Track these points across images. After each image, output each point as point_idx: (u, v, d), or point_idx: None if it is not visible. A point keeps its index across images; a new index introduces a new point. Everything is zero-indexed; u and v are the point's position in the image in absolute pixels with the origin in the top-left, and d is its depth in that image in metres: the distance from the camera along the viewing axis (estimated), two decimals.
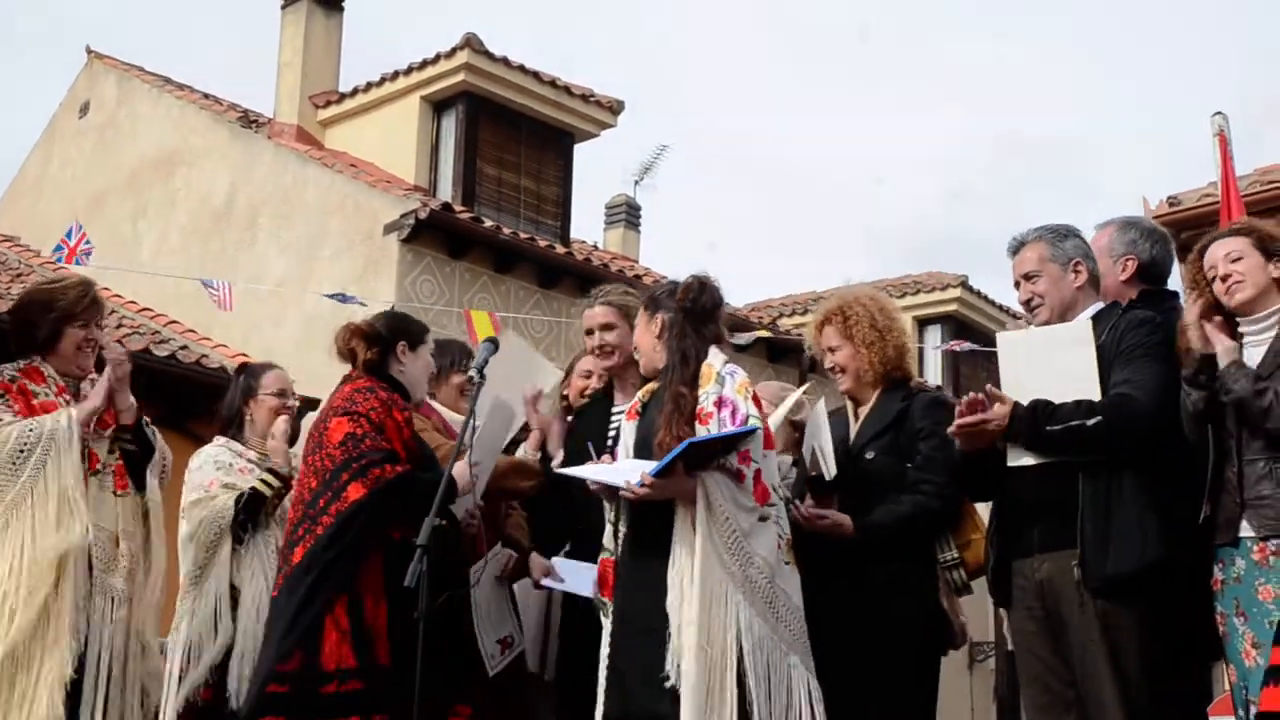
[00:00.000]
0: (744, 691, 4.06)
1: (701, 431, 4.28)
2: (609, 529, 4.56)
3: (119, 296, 14.17)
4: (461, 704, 4.47)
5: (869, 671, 4.45)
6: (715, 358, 4.45)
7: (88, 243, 11.16)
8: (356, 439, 4.54)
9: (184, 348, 12.03)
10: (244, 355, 12.44)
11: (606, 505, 4.55)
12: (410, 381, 4.81)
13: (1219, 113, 7.32)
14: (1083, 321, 4.41)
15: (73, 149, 17.15)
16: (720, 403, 4.32)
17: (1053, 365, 4.29)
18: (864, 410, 4.84)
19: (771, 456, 4.35)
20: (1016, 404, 4.24)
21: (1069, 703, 4.20)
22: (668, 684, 4.11)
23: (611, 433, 5.01)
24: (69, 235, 11.42)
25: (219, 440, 5.59)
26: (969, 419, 4.28)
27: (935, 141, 59.05)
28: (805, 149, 59.09)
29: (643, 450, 4.45)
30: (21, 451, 4.44)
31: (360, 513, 4.44)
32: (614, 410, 5.15)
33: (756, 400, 4.36)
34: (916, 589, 4.61)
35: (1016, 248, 4.60)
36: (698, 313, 4.52)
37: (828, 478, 4.70)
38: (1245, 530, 4.10)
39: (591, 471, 4.51)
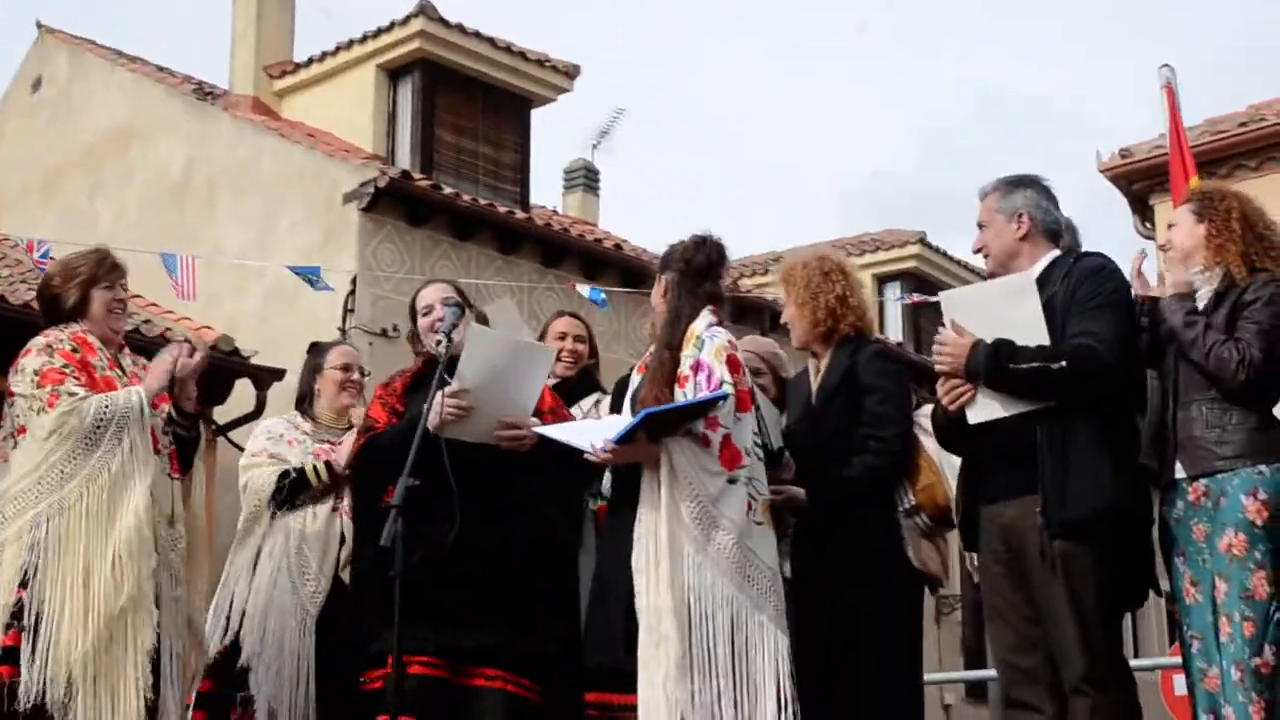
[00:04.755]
0: (708, 650, 4.14)
1: (678, 394, 4.35)
2: (608, 476, 4.67)
3: None
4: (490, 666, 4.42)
5: (851, 620, 4.61)
6: (701, 320, 4.50)
7: (45, 253, 11.15)
8: None
9: (147, 321, 12.00)
10: (208, 327, 12.46)
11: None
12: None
13: (1166, 65, 7.42)
14: (1025, 274, 4.48)
15: (26, 125, 17.01)
16: (697, 366, 4.39)
17: (998, 318, 4.34)
18: (822, 367, 4.96)
19: (745, 419, 4.38)
20: (979, 340, 4.32)
21: (1034, 641, 4.31)
22: (622, 638, 4.22)
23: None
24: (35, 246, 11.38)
25: (288, 414, 5.87)
26: (946, 390, 4.40)
27: (908, 98, 59.15)
28: (768, 108, 59.04)
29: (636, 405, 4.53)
30: (98, 427, 4.57)
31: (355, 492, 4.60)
32: None
33: (734, 364, 4.40)
34: (879, 535, 4.76)
35: (981, 197, 4.69)
36: (694, 272, 4.58)
37: (772, 449, 4.78)
38: (1179, 472, 4.26)
39: (560, 431, 4.56)
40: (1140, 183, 12.93)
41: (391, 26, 14.67)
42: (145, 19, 46.74)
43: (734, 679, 4.15)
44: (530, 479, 4.56)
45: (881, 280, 19.44)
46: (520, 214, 14.43)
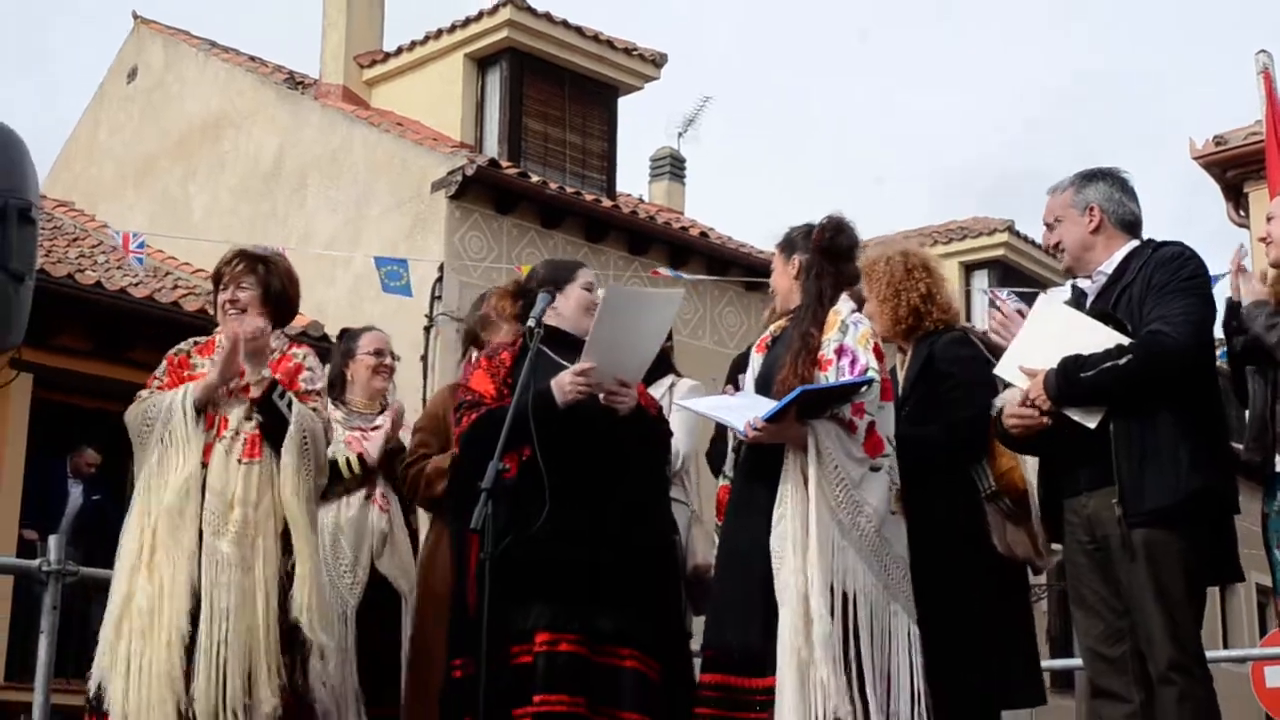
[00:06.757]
0: (846, 636, 4.14)
1: (820, 377, 4.34)
2: (730, 456, 4.68)
3: (174, 259, 14.37)
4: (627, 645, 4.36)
5: (931, 604, 4.51)
6: (843, 304, 4.49)
7: (140, 244, 11.61)
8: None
9: None
10: (299, 314, 12.62)
11: (730, 432, 4.64)
12: (570, 324, 4.64)
13: (1263, 50, 7.28)
14: (1048, 294, 4.53)
15: (122, 114, 17.34)
16: (841, 351, 4.37)
17: (1055, 343, 4.30)
18: (908, 360, 4.96)
19: (889, 408, 4.39)
20: (1046, 371, 4.28)
21: (1121, 631, 4.26)
22: (760, 619, 4.22)
23: None
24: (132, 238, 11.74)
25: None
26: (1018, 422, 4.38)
27: (1001, 82, 58.61)
28: (858, 94, 58.70)
29: (763, 385, 4.51)
30: (146, 426, 4.74)
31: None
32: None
33: (878, 352, 4.39)
34: (961, 518, 4.70)
35: (1051, 194, 4.65)
36: (834, 253, 4.56)
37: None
38: (1278, 466, 4.21)
39: (709, 406, 4.58)
40: (1234, 170, 12.76)
41: (480, 16, 14.77)
42: (238, 9, 47.36)
43: (873, 667, 4.15)
44: (632, 462, 4.53)
45: (969, 268, 19.33)
46: (607, 202, 14.49)
